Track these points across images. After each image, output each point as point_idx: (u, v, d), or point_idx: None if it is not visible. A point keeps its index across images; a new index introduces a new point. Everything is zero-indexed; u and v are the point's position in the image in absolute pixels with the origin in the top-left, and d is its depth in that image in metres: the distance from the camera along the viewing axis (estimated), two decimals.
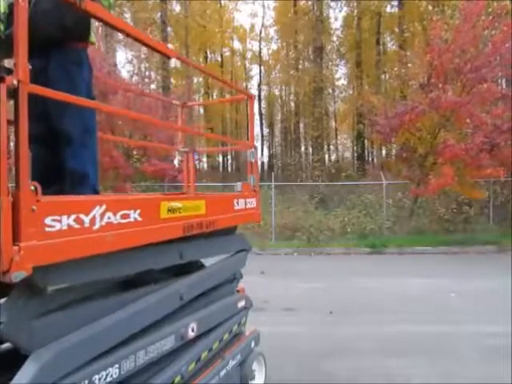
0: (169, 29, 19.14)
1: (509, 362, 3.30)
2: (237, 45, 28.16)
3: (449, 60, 9.51)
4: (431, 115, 9.82)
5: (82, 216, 1.37)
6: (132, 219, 1.59)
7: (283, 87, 28.06)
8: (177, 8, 21.89)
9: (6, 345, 1.92)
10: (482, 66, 9.27)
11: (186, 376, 2.08)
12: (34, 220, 1.22)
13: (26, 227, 1.19)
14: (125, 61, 15.40)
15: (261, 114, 27.67)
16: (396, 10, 19.92)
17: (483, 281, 6.24)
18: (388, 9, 20.76)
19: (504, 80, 13.01)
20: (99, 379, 1.51)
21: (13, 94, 1.21)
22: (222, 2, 25.49)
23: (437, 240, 9.84)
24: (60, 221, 1.30)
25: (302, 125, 24.99)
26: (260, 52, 27.27)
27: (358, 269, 7.80)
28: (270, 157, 28.88)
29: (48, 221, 1.26)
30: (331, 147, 27.10)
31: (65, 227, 1.31)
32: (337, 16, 23.72)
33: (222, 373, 2.37)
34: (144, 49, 19.99)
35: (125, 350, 1.69)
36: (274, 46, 27.73)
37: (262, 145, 28.09)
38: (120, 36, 19.13)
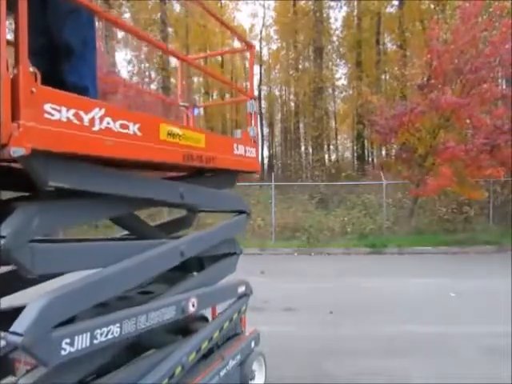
0: (169, 29, 19.13)
1: (509, 362, 3.30)
2: (237, 45, 28.17)
3: (448, 61, 9.52)
4: (431, 116, 9.83)
5: (81, 113, 1.41)
6: (131, 132, 1.63)
7: (283, 87, 28.05)
8: (177, 8, 21.90)
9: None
10: (481, 67, 9.27)
11: (187, 366, 2.10)
12: (33, 102, 1.26)
13: (25, 107, 1.23)
14: (125, 61, 15.40)
15: (261, 114, 27.65)
16: (396, 9, 19.92)
17: (483, 281, 6.24)
18: (388, 9, 20.76)
19: (504, 80, 13.01)
20: (101, 334, 1.55)
21: None
22: (222, 2, 25.49)
23: (437, 240, 9.84)
24: (59, 111, 1.34)
25: (301, 125, 24.98)
26: (260, 52, 27.27)
27: (357, 269, 7.81)
28: (270, 157, 28.85)
29: (47, 107, 1.30)
30: (331, 147, 27.07)
31: (64, 119, 1.35)
32: (337, 16, 23.76)
33: (222, 373, 2.37)
34: (144, 49, 20.00)
35: (127, 311, 1.74)
36: (274, 46, 27.77)
37: (262, 145, 28.04)
38: (120, 36, 19.10)
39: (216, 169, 2.34)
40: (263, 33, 27.29)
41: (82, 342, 1.47)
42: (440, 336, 4.00)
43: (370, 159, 24.04)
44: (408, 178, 10.80)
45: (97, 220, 1.86)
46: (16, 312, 1.39)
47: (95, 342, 1.53)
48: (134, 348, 2.06)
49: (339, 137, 30.07)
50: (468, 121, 9.85)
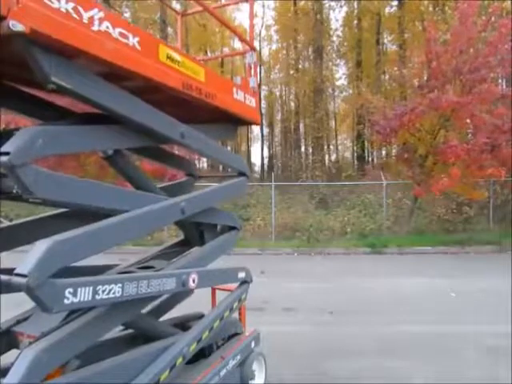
0: (169, 29, 19.11)
1: (509, 362, 3.30)
2: (237, 44, 28.16)
3: (446, 61, 9.51)
4: (430, 116, 9.82)
5: (80, 9, 1.42)
6: (131, 43, 1.64)
7: (283, 87, 28.04)
8: (177, 7, 21.88)
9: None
10: (480, 67, 9.26)
11: (188, 357, 2.11)
12: None
13: None
14: None
15: (261, 114, 27.59)
16: (396, 9, 19.90)
17: (483, 281, 6.24)
18: (387, 9, 20.73)
19: (504, 80, 13.01)
20: (103, 291, 1.59)
21: None
22: (223, 2, 25.45)
23: (437, 240, 9.84)
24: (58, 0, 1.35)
25: (302, 125, 24.96)
26: (260, 52, 27.25)
27: (357, 269, 7.80)
28: (270, 157, 28.83)
29: None
30: (331, 147, 27.06)
31: (63, 10, 1.37)
32: (337, 16, 23.69)
33: (222, 373, 2.37)
34: None
35: (130, 274, 1.81)
36: (274, 46, 27.74)
37: (262, 145, 28.04)
38: None
39: (216, 109, 2.30)
40: (263, 33, 27.29)
41: (85, 294, 1.51)
42: (440, 336, 4.00)
43: (370, 159, 24.02)
44: (411, 178, 10.77)
45: (99, 149, 1.90)
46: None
47: (97, 297, 1.57)
48: (135, 340, 2.07)
49: (339, 137, 30.06)
50: (468, 120, 9.84)
